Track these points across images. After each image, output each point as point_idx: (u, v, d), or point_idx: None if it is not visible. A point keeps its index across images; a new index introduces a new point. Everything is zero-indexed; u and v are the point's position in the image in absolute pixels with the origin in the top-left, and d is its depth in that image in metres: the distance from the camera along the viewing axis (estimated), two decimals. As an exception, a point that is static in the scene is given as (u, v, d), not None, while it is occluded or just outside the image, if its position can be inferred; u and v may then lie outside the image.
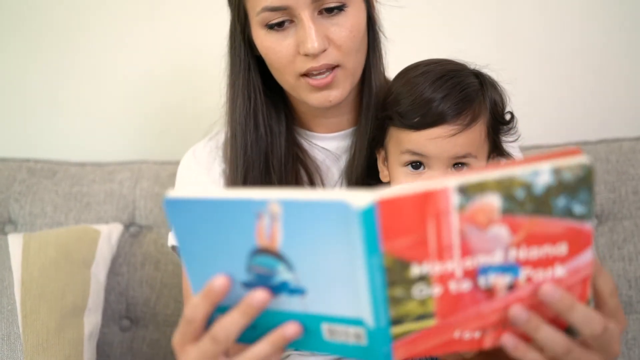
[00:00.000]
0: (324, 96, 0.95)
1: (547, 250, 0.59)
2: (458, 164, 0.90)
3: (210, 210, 0.61)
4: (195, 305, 0.65)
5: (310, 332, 0.64)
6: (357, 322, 0.61)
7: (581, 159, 0.56)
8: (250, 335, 0.64)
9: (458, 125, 0.87)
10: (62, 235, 1.31)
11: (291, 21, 0.92)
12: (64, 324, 1.20)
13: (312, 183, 1.05)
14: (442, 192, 0.56)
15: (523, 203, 0.57)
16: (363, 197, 0.56)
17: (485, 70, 0.96)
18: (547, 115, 1.59)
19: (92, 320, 1.27)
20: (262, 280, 0.62)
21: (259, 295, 0.62)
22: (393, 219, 0.56)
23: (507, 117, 0.96)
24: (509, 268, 0.59)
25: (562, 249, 0.59)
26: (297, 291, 0.62)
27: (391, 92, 0.94)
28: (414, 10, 1.54)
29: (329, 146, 1.07)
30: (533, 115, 1.55)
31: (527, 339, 0.62)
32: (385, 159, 0.97)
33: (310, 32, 0.89)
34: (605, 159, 1.42)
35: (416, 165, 0.90)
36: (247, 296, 0.62)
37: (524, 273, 0.60)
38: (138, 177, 1.50)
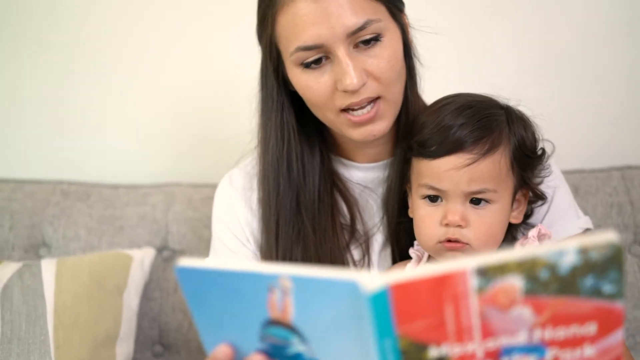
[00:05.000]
0: (368, 130, 0.92)
1: (574, 330, 0.57)
2: (476, 199, 0.87)
3: (222, 281, 0.61)
4: None
5: None
6: None
7: (609, 237, 0.54)
8: None
9: (475, 154, 0.85)
10: (95, 261, 1.30)
11: (327, 57, 0.89)
12: (96, 354, 1.19)
13: (351, 214, 1.02)
14: (459, 275, 0.54)
15: (547, 283, 0.55)
16: (375, 280, 0.54)
17: (520, 107, 0.93)
18: (591, 139, 1.54)
19: (124, 350, 1.26)
20: (277, 350, 0.61)
21: None
22: (407, 302, 0.55)
23: (538, 152, 0.93)
24: (534, 349, 0.57)
25: (591, 328, 0.57)
26: None
27: (417, 123, 0.92)
28: (450, 35, 1.51)
29: (368, 176, 1.04)
30: (576, 139, 1.51)
31: None
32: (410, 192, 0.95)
33: (348, 69, 0.86)
34: (652, 184, 1.37)
35: (433, 198, 0.89)
36: None
37: (550, 353, 0.58)
38: (171, 201, 1.49)
